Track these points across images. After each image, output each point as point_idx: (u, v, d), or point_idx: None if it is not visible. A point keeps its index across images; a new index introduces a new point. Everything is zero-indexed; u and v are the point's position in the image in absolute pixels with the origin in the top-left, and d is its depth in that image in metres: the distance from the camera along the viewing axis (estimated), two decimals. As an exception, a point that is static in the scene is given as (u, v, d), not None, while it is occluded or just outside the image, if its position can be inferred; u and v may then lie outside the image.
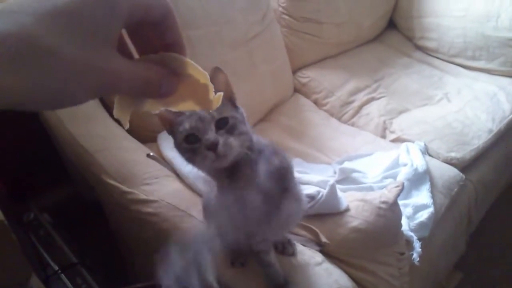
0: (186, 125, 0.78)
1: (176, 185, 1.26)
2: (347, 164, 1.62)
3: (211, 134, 0.76)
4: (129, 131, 1.42)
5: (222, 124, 0.78)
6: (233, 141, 0.77)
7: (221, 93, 0.49)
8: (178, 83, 0.45)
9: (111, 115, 1.44)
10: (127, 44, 0.46)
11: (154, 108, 0.47)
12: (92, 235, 1.64)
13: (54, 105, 0.38)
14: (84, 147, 1.29)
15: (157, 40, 0.45)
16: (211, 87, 0.47)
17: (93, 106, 1.42)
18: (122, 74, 0.40)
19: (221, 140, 0.75)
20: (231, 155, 0.78)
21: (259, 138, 0.90)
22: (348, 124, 1.98)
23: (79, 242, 1.60)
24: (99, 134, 1.34)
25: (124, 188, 1.21)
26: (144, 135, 1.49)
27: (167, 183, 1.25)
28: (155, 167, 1.29)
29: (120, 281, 1.55)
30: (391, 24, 2.64)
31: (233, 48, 1.74)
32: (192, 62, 0.46)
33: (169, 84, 0.44)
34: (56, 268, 1.43)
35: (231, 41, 1.73)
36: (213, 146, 0.75)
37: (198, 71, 0.46)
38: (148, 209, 1.17)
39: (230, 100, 0.83)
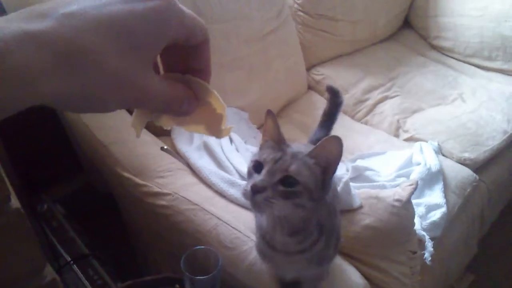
0: (266, 153, 0.74)
1: (189, 178, 1.27)
2: (360, 162, 1.61)
3: (264, 181, 0.71)
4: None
5: (289, 183, 0.72)
6: (278, 204, 0.71)
7: (232, 126, 0.50)
8: (197, 106, 0.46)
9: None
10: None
11: (167, 124, 0.49)
12: (104, 227, 1.65)
13: (84, 110, 0.39)
14: (99, 139, 1.30)
15: (187, 62, 0.46)
16: (225, 118, 0.49)
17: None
18: (153, 92, 0.40)
19: (266, 193, 0.70)
20: (262, 211, 0.75)
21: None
22: (362, 123, 1.97)
23: (91, 234, 1.62)
24: (114, 127, 1.34)
25: (138, 180, 1.21)
26: (158, 128, 1.49)
27: (180, 177, 1.25)
28: (169, 161, 1.30)
29: (132, 274, 1.56)
30: (407, 23, 2.62)
31: (248, 43, 1.74)
32: (215, 92, 0.47)
33: (190, 106, 0.45)
34: (69, 259, 1.45)
35: (246, 36, 1.73)
36: (253, 189, 0.70)
37: (218, 102, 0.48)
38: (162, 202, 1.17)
39: (323, 171, 0.75)
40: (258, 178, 0.72)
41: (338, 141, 0.71)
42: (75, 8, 0.35)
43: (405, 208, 1.14)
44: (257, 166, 0.74)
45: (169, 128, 0.50)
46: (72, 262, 1.44)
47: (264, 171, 0.72)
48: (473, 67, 2.31)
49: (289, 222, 0.77)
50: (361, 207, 1.15)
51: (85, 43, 0.34)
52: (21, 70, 0.31)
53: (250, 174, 0.75)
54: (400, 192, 1.15)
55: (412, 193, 1.15)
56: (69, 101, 0.36)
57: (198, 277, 0.91)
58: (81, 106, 0.38)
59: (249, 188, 0.71)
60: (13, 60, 0.31)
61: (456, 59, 2.38)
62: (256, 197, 0.70)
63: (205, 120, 0.49)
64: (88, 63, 0.34)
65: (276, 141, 0.77)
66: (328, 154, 0.73)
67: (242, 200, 1.21)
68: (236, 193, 1.23)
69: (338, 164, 0.74)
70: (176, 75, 0.46)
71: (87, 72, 0.35)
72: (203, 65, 0.47)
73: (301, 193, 0.72)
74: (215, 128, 0.50)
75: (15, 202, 0.89)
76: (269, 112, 0.77)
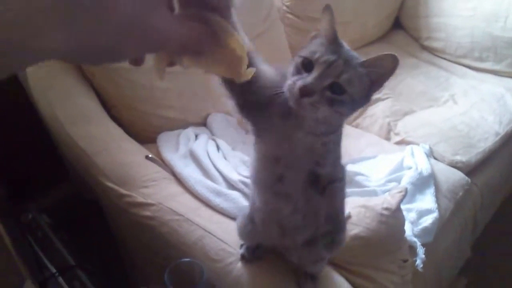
0: (318, 52, 0.70)
1: (174, 188, 1.24)
2: (350, 167, 1.59)
3: (313, 84, 0.68)
4: (128, 132, 1.40)
5: (336, 90, 0.69)
6: (323, 111, 0.69)
7: (253, 69, 0.50)
8: (215, 46, 0.45)
9: (110, 116, 1.42)
10: None
11: (189, 65, 0.49)
12: (92, 237, 1.62)
13: (98, 62, 0.37)
14: (83, 149, 1.27)
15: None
16: (245, 60, 0.49)
17: (92, 108, 1.40)
18: (172, 34, 0.39)
19: (314, 98, 0.68)
20: (306, 114, 0.71)
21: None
22: (352, 126, 1.94)
23: (78, 244, 1.58)
24: (98, 136, 1.32)
25: (122, 191, 1.19)
26: (143, 135, 1.47)
27: (165, 186, 1.23)
28: (154, 170, 1.27)
29: (120, 285, 1.53)
30: (397, 24, 2.60)
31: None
32: (237, 33, 0.47)
33: (206, 45, 0.44)
34: (54, 270, 1.41)
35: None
36: (302, 91, 0.67)
37: (238, 43, 0.47)
38: (146, 212, 1.15)
39: (372, 84, 0.72)
40: (307, 79, 0.68)
41: (394, 58, 0.69)
42: None
43: (394, 217, 1.12)
44: (306, 64, 0.71)
45: (189, 69, 0.50)
46: (57, 274, 1.41)
47: (315, 74, 0.69)
48: (464, 68, 2.30)
49: (325, 123, 0.74)
50: (349, 217, 1.13)
51: None
52: (24, 21, 0.29)
53: (297, 70, 0.71)
54: (389, 200, 1.13)
55: (401, 201, 1.13)
56: (81, 54, 0.34)
57: (181, 292, 0.89)
58: (94, 58, 0.36)
59: (297, 88, 0.68)
60: (15, 10, 0.29)
61: (447, 60, 2.36)
62: (303, 100, 0.68)
63: (225, 62, 0.49)
64: (99, 10, 0.32)
65: (329, 40, 0.72)
66: (381, 68, 0.71)
67: (228, 210, 1.19)
68: (222, 202, 1.20)
69: (388, 80, 0.72)
70: (193, 13, 0.44)
71: (99, 19, 0.32)
72: (223, 4, 0.45)
73: (346, 102, 0.70)
74: (235, 71, 0.50)
75: (-10, 218, 0.87)
76: (327, 7, 0.73)
